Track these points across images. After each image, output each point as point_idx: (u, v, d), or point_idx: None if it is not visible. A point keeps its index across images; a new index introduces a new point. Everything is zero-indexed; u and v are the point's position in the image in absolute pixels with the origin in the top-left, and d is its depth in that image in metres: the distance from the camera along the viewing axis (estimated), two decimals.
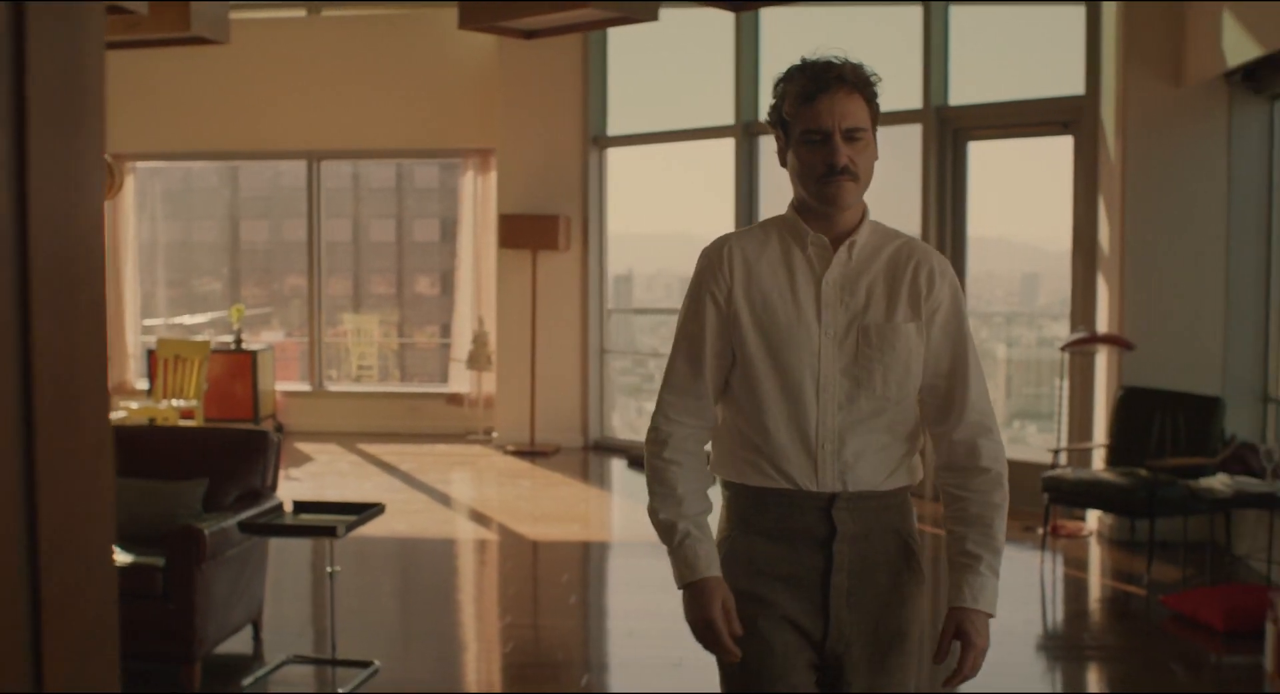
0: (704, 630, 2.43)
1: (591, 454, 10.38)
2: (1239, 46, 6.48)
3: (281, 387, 11.62)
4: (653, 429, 2.56)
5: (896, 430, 2.50)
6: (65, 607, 0.98)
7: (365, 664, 5.08)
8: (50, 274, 0.89)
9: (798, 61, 2.48)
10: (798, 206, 2.53)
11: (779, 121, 2.50)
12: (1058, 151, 8.19)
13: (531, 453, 10.22)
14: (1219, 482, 6.37)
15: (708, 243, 2.57)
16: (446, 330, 12.40)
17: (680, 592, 2.47)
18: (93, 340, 0.97)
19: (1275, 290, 7.23)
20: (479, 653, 5.64)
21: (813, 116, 2.40)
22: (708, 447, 2.59)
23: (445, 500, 8.84)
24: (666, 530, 2.48)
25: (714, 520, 2.54)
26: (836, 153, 2.39)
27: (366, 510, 5.05)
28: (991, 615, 2.45)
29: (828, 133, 2.39)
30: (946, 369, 2.52)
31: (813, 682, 2.50)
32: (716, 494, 2.56)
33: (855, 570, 2.48)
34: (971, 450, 2.51)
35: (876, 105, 2.46)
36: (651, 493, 2.53)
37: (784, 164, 2.53)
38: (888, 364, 2.46)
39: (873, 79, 2.45)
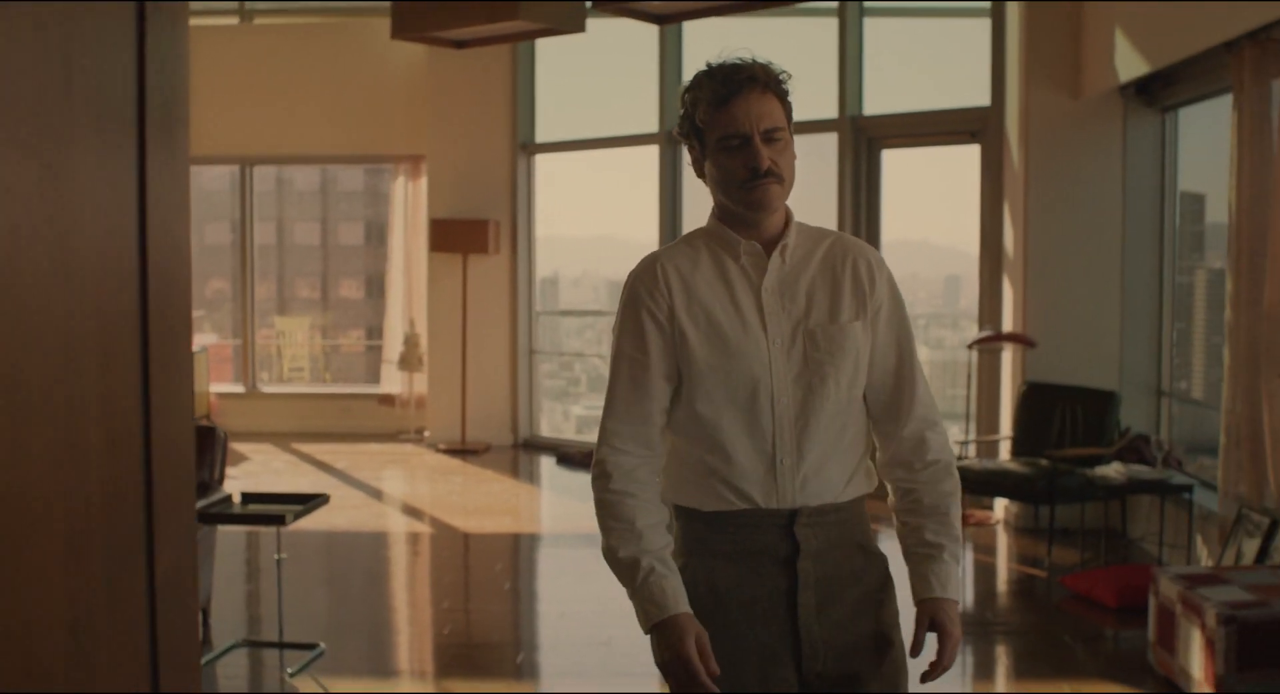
0: (679, 670, 2.26)
1: (521, 452, 10.66)
2: (1130, 63, 6.92)
3: (215, 388, 11.79)
4: (598, 462, 2.40)
5: (850, 435, 2.43)
6: (172, 583, 1.27)
7: (311, 646, 5.34)
8: (161, 272, 1.17)
9: (703, 68, 2.40)
10: (720, 216, 2.44)
11: (692, 131, 2.40)
12: (966, 160, 8.61)
13: (463, 451, 10.49)
14: (1113, 470, 6.79)
15: (632, 245, 2.61)
16: (373, 332, 12.61)
17: (648, 635, 2.32)
18: (185, 338, 1.25)
19: (1168, 291, 7.69)
20: (418, 635, 5.92)
21: (729, 121, 2.31)
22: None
23: (380, 496, 9.09)
24: (628, 569, 2.32)
25: None
26: (758, 155, 2.30)
27: (312, 500, 5.31)
28: (958, 602, 2.41)
29: (746, 136, 2.31)
30: (894, 365, 2.46)
31: None
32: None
33: (822, 586, 2.38)
34: (919, 444, 2.45)
35: (789, 103, 2.39)
36: (606, 530, 2.36)
37: (700, 174, 2.44)
38: (839, 366, 2.38)
39: (783, 77, 2.38)
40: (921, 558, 2.41)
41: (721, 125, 2.32)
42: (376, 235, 13.22)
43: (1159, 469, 6.78)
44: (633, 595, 2.32)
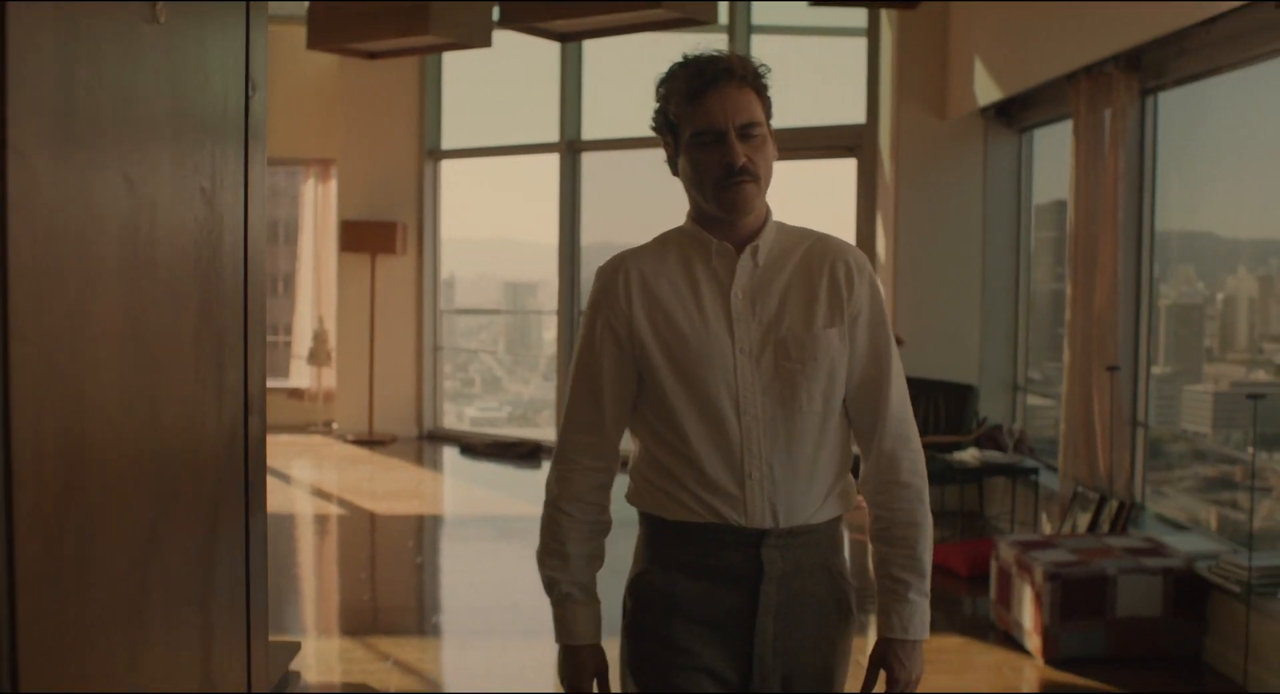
0: None
1: (426, 443, 11.17)
2: (987, 88, 7.67)
3: None
4: (552, 469, 2.39)
5: (826, 450, 2.29)
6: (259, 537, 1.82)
7: None
8: (254, 255, 1.74)
9: (679, 59, 2.31)
10: (695, 216, 2.32)
11: (666, 126, 2.29)
12: (844, 173, 9.33)
13: (370, 442, 10.98)
14: (970, 456, 7.52)
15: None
16: (283, 328, 13.01)
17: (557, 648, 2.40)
18: (261, 320, 1.80)
19: (1023, 294, 8.46)
20: (342, 602, 6.45)
21: (703, 115, 2.20)
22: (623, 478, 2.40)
23: (289, 482, 9.56)
24: (548, 585, 2.36)
25: (627, 553, 2.43)
26: (733, 152, 2.18)
27: None
28: (923, 639, 2.33)
29: (721, 131, 2.19)
30: (871, 375, 2.31)
31: None
32: (618, 535, 2.43)
33: (783, 612, 2.28)
34: (892, 462, 2.32)
35: (769, 98, 2.27)
36: (541, 542, 2.38)
37: (675, 172, 2.32)
38: (811, 376, 2.25)
39: (762, 71, 2.27)
40: (887, 591, 2.32)
41: (695, 120, 2.21)
42: (286, 235, 13.61)
43: (1010, 455, 7.53)
44: (552, 607, 2.36)
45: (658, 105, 2.31)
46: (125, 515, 1.33)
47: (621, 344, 2.30)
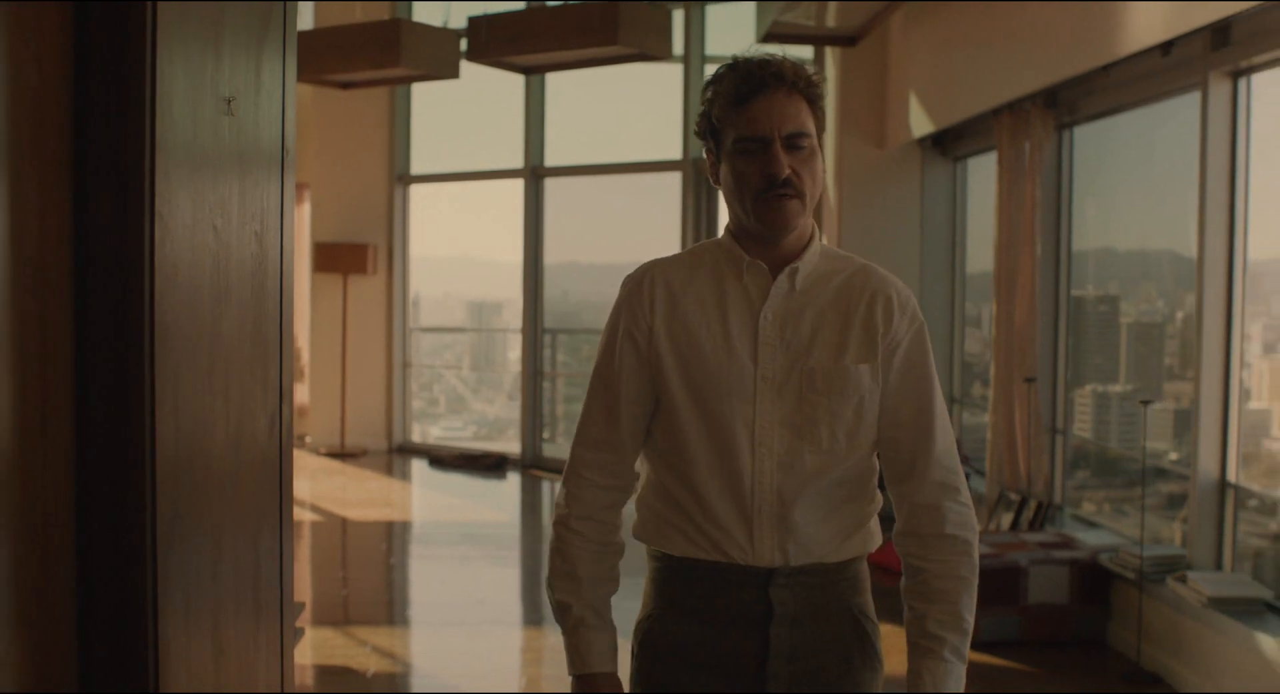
0: None
1: (396, 456, 11.66)
2: (920, 122, 8.26)
3: None
4: (561, 487, 2.24)
5: (849, 491, 2.14)
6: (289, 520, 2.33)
7: None
8: (287, 283, 2.25)
9: (729, 61, 2.14)
10: (734, 230, 2.17)
11: (708, 131, 2.14)
12: None
13: (342, 454, 11.45)
14: None
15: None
16: None
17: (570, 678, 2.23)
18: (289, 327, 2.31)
19: (958, 312, 9.04)
20: (318, 597, 6.93)
21: (748, 121, 2.05)
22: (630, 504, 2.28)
23: None
24: (560, 611, 2.20)
25: (637, 592, 2.29)
26: (776, 162, 2.03)
27: None
28: None
29: (766, 140, 2.04)
30: (908, 419, 2.14)
31: None
32: (631, 561, 2.27)
33: (798, 655, 2.13)
34: (935, 515, 2.13)
35: (822, 109, 2.12)
36: (551, 565, 2.23)
37: (716, 181, 2.17)
38: (836, 413, 2.10)
39: (815, 79, 2.11)
40: (921, 650, 2.12)
41: (739, 125, 2.07)
42: None
43: None
44: (564, 634, 2.21)
45: (702, 109, 2.16)
46: (235, 516, 1.70)
47: (641, 356, 2.16)
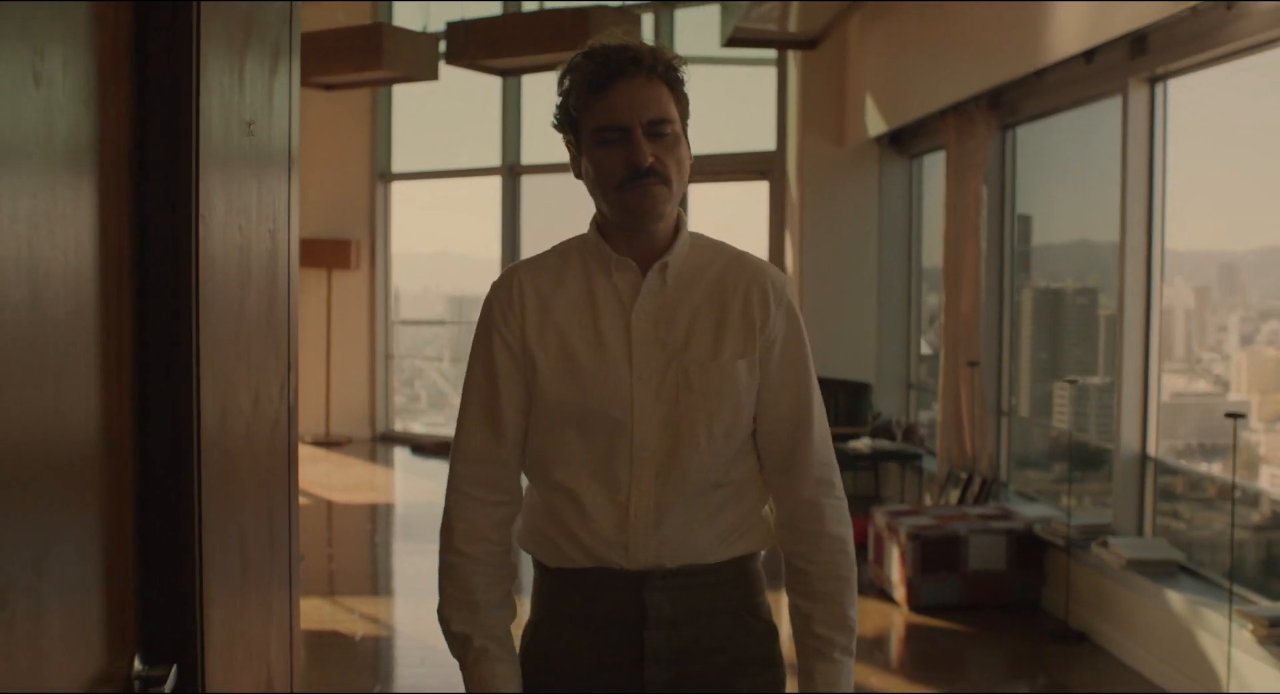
0: None
1: (379, 444, 12.08)
2: (875, 121, 8.71)
3: None
4: (445, 512, 2.12)
5: (730, 488, 2.08)
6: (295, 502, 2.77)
7: None
8: (293, 273, 2.68)
9: (585, 48, 2.03)
10: (599, 224, 2.09)
11: (566, 122, 2.04)
12: (758, 194, 10.35)
13: (328, 443, 11.87)
14: (864, 444, 8.54)
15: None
16: None
17: None
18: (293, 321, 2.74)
19: (914, 303, 9.50)
20: (318, 567, 7.35)
21: (606, 110, 1.96)
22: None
23: None
24: (460, 644, 2.09)
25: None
26: (639, 151, 1.95)
27: None
28: None
29: (626, 128, 1.95)
30: (786, 412, 2.08)
31: None
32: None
33: (679, 659, 2.07)
34: (813, 511, 2.09)
35: (685, 94, 2.03)
36: (442, 594, 2.11)
37: (579, 174, 2.07)
38: (713, 411, 2.03)
39: (675, 63, 2.02)
40: (810, 652, 2.10)
41: (598, 114, 1.98)
42: None
43: (899, 443, 8.55)
44: (462, 670, 2.10)
45: (559, 99, 2.06)
46: (253, 488, 2.10)
47: (516, 363, 2.07)
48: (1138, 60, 5.73)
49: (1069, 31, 5.80)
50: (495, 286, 2.12)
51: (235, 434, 1.98)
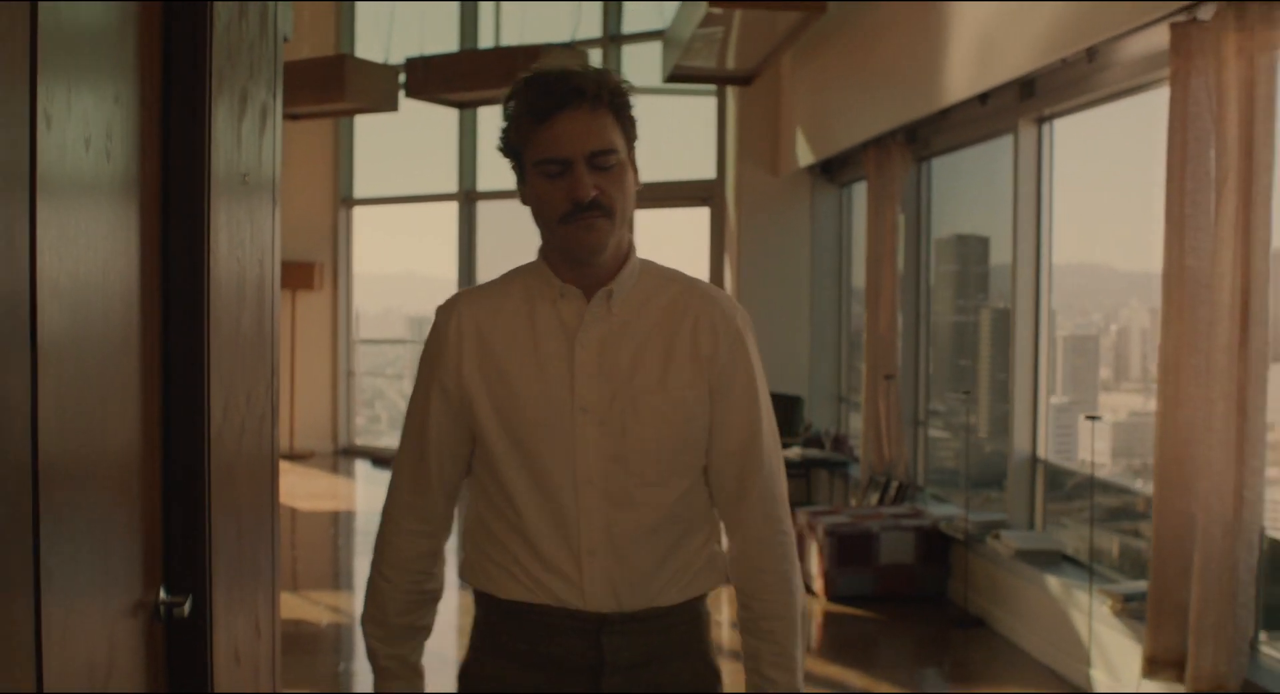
0: None
1: (341, 457, 12.62)
2: (805, 153, 9.37)
3: None
4: (377, 537, 2.18)
5: (682, 524, 2.05)
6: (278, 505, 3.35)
7: None
8: (275, 289, 3.27)
9: (528, 73, 1.99)
10: (545, 253, 2.05)
11: (510, 148, 2.00)
12: (700, 220, 10.98)
13: (291, 456, 12.38)
14: (795, 453, 9.15)
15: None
16: None
17: None
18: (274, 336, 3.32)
19: (844, 322, 10.15)
20: (285, 567, 7.87)
21: (548, 141, 1.92)
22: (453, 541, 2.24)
23: None
24: (370, 654, 2.17)
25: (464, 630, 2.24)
26: (581, 185, 1.90)
27: None
28: None
29: (568, 160, 1.91)
30: (736, 446, 2.05)
31: None
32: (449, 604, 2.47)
33: None
34: (761, 547, 2.07)
35: (631, 120, 1.98)
36: (364, 606, 2.19)
37: (525, 200, 2.02)
38: (664, 445, 1.99)
39: (622, 87, 1.96)
40: (754, 687, 2.11)
41: (540, 147, 1.93)
42: None
43: (827, 452, 9.19)
44: (373, 672, 2.20)
45: (502, 126, 2.02)
46: (246, 471, 2.80)
47: (450, 399, 2.05)
48: (1026, 102, 6.39)
49: (965, 75, 6.46)
50: (437, 318, 2.11)
51: (233, 427, 2.50)
